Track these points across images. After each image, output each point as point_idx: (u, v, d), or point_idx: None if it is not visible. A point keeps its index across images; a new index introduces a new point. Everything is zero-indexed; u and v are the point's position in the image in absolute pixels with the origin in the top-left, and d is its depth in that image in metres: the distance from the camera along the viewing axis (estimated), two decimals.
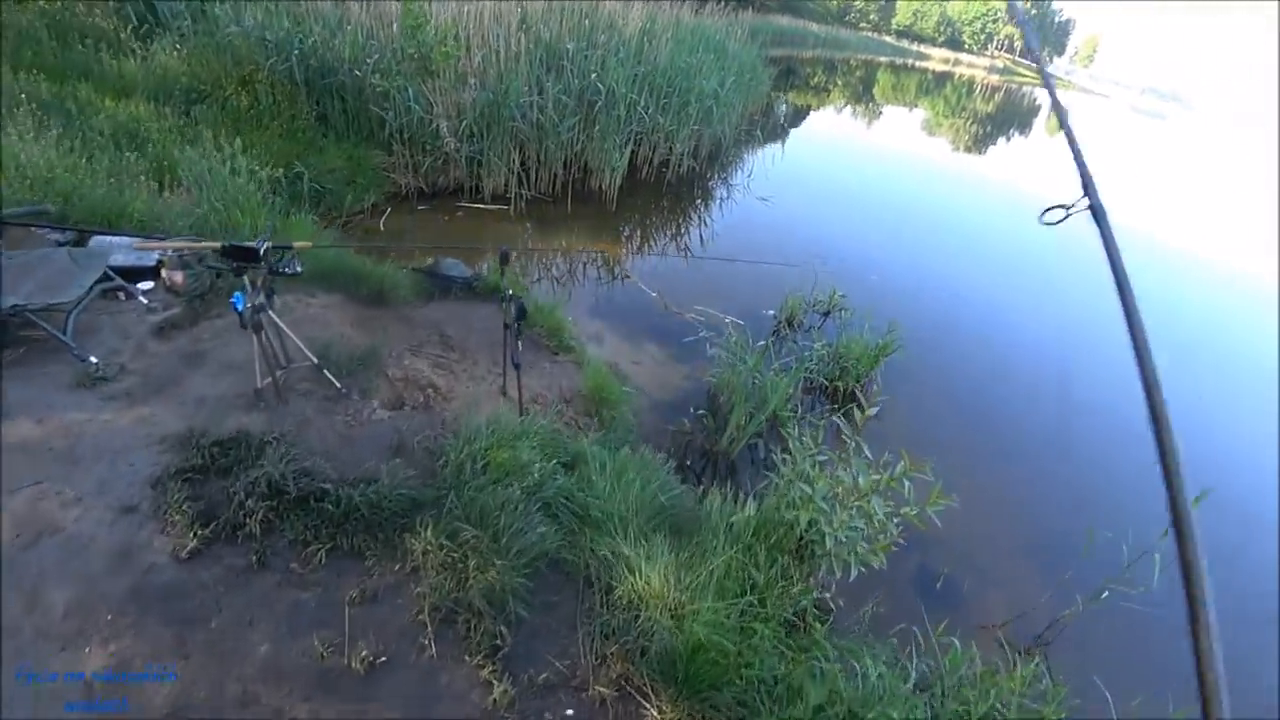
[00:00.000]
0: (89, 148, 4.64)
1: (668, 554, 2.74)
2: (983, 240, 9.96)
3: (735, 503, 3.23)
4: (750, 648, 2.42)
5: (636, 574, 2.61)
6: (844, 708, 2.21)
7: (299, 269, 2.68)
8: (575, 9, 8.09)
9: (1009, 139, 25.35)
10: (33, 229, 3.47)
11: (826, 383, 5.02)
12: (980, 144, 21.88)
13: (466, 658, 2.19)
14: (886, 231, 9.27)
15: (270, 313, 2.70)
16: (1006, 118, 33.84)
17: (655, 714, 2.18)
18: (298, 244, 2.80)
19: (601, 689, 2.19)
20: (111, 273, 3.24)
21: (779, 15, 32.56)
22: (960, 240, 9.60)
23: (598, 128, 7.27)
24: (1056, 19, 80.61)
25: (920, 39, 57.88)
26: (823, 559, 2.88)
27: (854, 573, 2.79)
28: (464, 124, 6.66)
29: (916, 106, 27.92)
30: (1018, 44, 74.54)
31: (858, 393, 5.04)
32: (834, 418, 4.42)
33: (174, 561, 2.23)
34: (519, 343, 3.15)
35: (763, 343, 4.82)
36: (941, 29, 60.09)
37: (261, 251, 2.51)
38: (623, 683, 2.26)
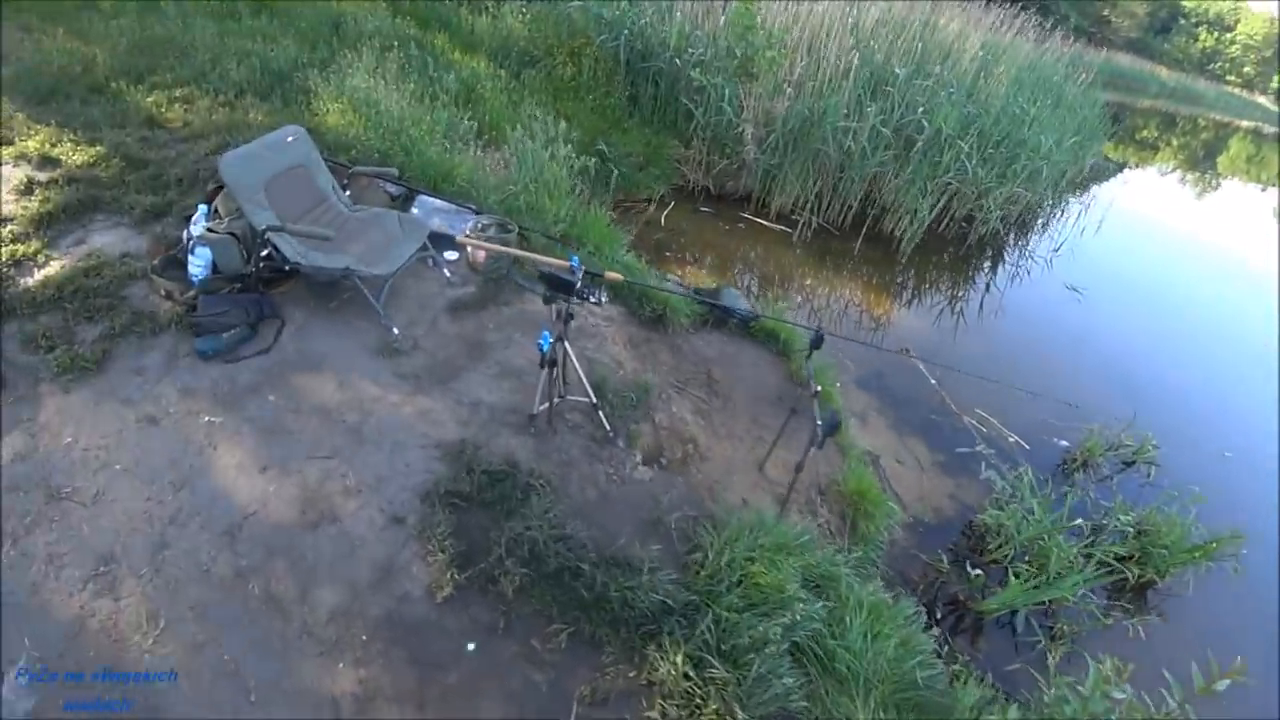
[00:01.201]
0: (435, 105, 4.93)
1: None
2: None
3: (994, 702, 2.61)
4: None
5: None
6: None
7: (604, 300, 2.41)
8: (911, 27, 7.22)
9: None
10: (374, 180, 3.67)
11: (1115, 562, 3.82)
12: None
13: None
14: (1228, 376, 7.21)
15: (565, 342, 2.50)
16: None
17: None
18: (609, 275, 2.56)
19: None
20: (428, 243, 3.30)
21: (1121, 53, 27.71)
22: None
23: (910, 169, 6.41)
24: None
25: None
26: None
27: None
28: (771, 135, 6.23)
29: (1272, 184, 22.42)
30: None
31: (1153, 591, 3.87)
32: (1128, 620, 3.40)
33: (428, 598, 2.12)
34: (812, 450, 2.65)
35: (1062, 510, 3.79)
36: None
37: (578, 286, 2.28)
38: None
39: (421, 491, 2.36)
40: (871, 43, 6.73)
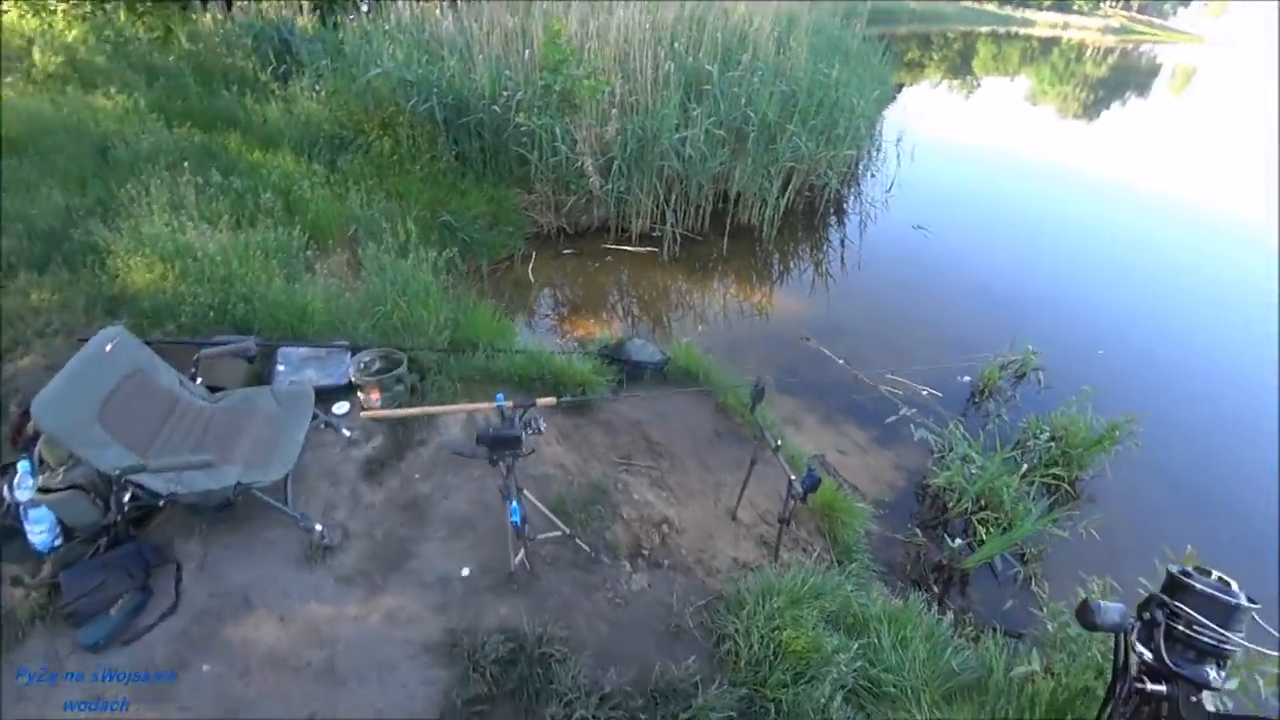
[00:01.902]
0: (255, 227, 4.37)
1: None
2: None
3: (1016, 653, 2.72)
4: None
5: None
6: None
7: (544, 426, 2.22)
8: (707, 21, 7.45)
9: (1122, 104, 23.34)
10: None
11: (1051, 480, 4.23)
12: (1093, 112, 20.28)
13: None
14: (1047, 256, 8.25)
15: (523, 491, 2.29)
16: (1127, 79, 31.33)
17: None
18: (541, 402, 2.36)
19: None
20: (318, 411, 2.90)
21: None
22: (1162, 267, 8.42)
23: (750, 160, 6.63)
24: None
25: (1025, 4, 53.21)
26: None
27: None
28: (613, 162, 6.17)
29: (1019, 76, 25.97)
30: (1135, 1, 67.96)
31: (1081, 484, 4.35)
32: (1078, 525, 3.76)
33: None
34: (791, 516, 2.63)
35: (1005, 453, 4.13)
36: None
37: (523, 435, 2.08)
38: None
39: (435, 713, 2.06)
40: (676, 44, 6.84)
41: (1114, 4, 65.79)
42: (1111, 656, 1.08)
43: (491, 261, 5.91)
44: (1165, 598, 1.07)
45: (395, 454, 3.04)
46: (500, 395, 2.22)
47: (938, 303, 6.56)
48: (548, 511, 2.52)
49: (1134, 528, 4.07)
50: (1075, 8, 58.92)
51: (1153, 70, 39.08)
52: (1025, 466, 4.12)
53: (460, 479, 2.92)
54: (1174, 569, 1.12)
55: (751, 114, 6.58)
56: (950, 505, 4.01)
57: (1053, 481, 4.18)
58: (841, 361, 5.19)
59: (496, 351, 3.60)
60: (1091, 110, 21.76)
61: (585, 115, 6.21)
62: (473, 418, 3.21)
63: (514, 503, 2.17)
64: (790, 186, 6.95)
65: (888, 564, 3.67)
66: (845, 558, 3.38)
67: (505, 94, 6.19)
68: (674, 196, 6.53)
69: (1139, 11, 70.05)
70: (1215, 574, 1.11)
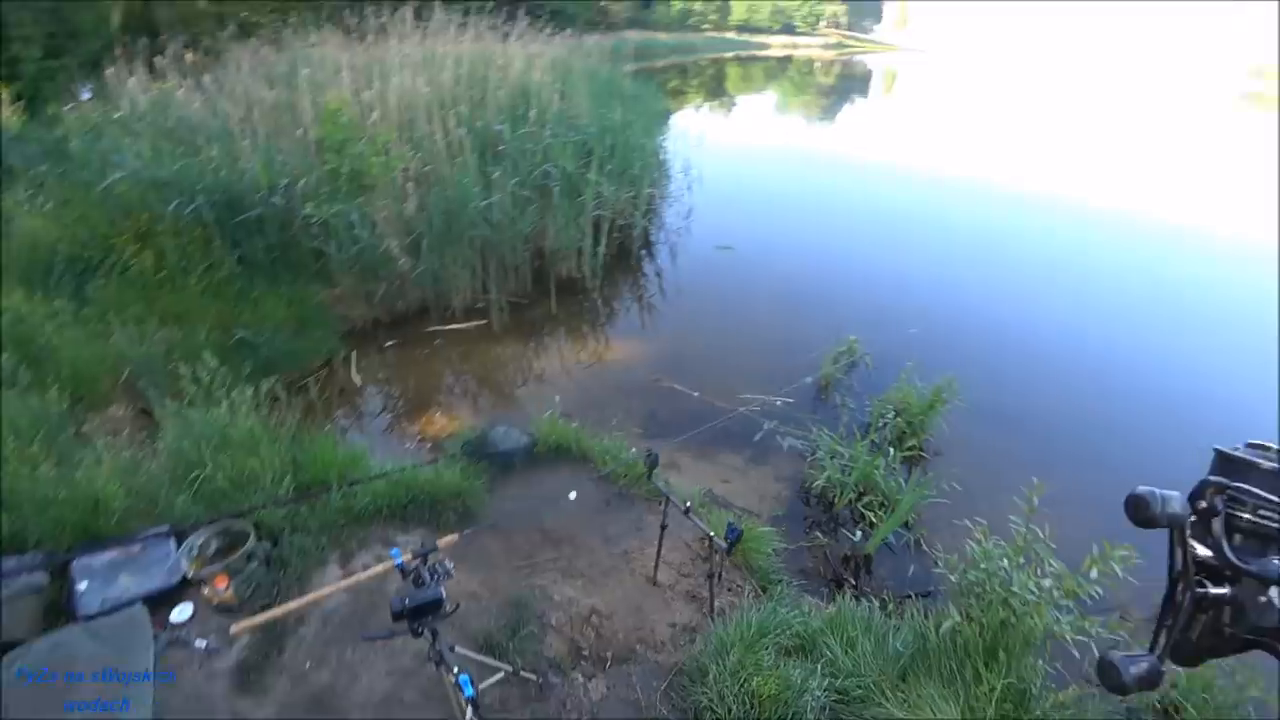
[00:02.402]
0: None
1: (935, 697, 2.51)
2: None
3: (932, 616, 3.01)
4: None
5: None
6: None
7: (452, 568, 1.99)
8: (484, 76, 7.44)
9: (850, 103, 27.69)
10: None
11: (910, 451, 4.77)
12: (830, 113, 23.66)
13: None
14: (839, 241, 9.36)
15: (454, 649, 2.02)
16: (852, 84, 37.05)
17: None
18: (444, 541, 2.11)
19: None
20: (154, 630, 2.32)
21: (629, 31, 32.91)
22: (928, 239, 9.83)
23: (560, 214, 6.66)
24: None
25: (759, 30, 61.06)
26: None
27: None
28: (421, 240, 5.84)
29: (766, 90, 29.39)
30: (843, 20, 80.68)
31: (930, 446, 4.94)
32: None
33: None
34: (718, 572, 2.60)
35: (865, 440, 4.53)
36: (776, 18, 64.09)
37: (443, 592, 1.84)
38: None
39: None
40: (460, 108, 6.71)
41: (828, 25, 77.59)
42: (1168, 557, 0.88)
43: (306, 372, 5.26)
44: (1223, 480, 0.88)
45: (271, 648, 2.53)
46: (395, 550, 1.93)
47: (763, 313, 7.08)
48: (482, 657, 2.25)
49: (981, 469, 4.69)
50: (799, 30, 69.13)
51: (867, 76, 46.90)
52: (891, 451, 4.56)
53: (365, 650, 2.52)
54: (1223, 448, 0.93)
55: (551, 169, 6.63)
56: (835, 500, 4.31)
57: (909, 453, 4.70)
58: (696, 394, 5.35)
59: (353, 485, 3.17)
60: (829, 111, 25.33)
61: (381, 195, 5.83)
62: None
63: (462, 674, 1.89)
64: (603, 234, 7.07)
65: (802, 573, 3.86)
66: (767, 583, 3.46)
67: (284, 182, 5.62)
68: (491, 264, 6.33)
69: (848, 29, 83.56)
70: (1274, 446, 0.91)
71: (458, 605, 1.94)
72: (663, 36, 37.19)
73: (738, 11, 55.27)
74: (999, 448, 5.23)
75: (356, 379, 5.35)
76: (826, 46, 69.61)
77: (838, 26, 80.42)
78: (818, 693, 2.50)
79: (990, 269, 9.41)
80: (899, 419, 4.95)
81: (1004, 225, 11.64)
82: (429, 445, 4.33)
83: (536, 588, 2.97)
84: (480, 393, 5.34)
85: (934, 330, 6.97)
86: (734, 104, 23.58)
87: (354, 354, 5.58)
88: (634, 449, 4.25)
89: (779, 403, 5.32)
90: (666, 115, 10.40)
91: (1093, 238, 11.24)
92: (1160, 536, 0.86)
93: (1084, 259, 10.15)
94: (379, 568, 2.00)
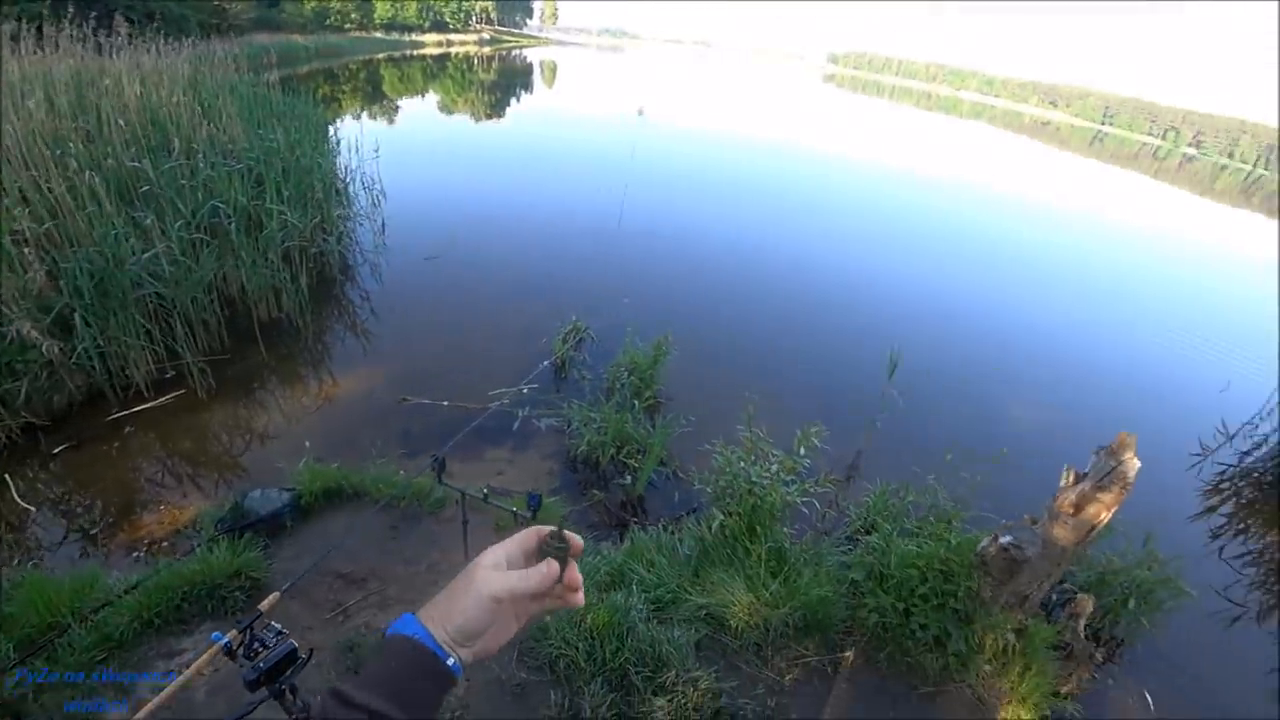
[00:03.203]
0: None
1: (724, 578, 3.26)
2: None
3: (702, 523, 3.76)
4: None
5: (736, 605, 3.10)
6: None
7: (280, 627, 1.94)
8: (97, 105, 6.30)
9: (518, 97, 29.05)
10: None
11: (651, 401, 5.58)
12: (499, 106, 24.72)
13: None
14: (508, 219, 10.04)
15: None
16: (514, 79, 38.49)
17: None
18: (265, 604, 2.02)
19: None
20: None
21: (257, 33, 29.27)
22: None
23: (245, 253, 6.03)
24: None
25: (408, 28, 58.38)
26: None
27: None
28: (71, 313, 4.84)
29: (429, 92, 29.07)
30: (494, 15, 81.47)
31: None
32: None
33: None
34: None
35: (611, 402, 5.22)
36: (424, 15, 61.59)
37: (292, 642, 1.79)
38: None
39: None
40: (72, 146, 5.54)
41: (479, 21, 77.86)
42: None
43: None
44: None
45: None
46: (216, 634, 1.81)
47: (488, 312, 7.37)
48: None
49: (708, 400, 5.73)
50: (452, 27, 68.10)
51: (527, 69, 48.70)
52: (636, 404, 5.26)
53: None
54: None
55: (220, 205, 5.96)
56: (600, 459, 4.88)
57: (649, 403, 5.49)
58: (445, 403, 5.45)
59: (100, 612, 2.69)
60: (498, 106, 26.02)
61: None
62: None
63: None
64: (301, 266, 6.56)
65: (591, 526, 4.39)
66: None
67: None
68: (174, 323, 5.45)
69: (499, 24, 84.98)
70: None
71: (311, 651, 1.90)
72: (300, 39, 33.85)
73: (381, 9, 52.33)
74: (718, 379, 6.37)
75: (20, 500, 4.29)
76: (481, 42, 70.56)
77: (489, 22, 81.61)
78: (639, 607, 2.99)
79: (669, 228, 11.06)
80: (632, 377, 5.71)
81: (664, 190, 13.73)
82: (169, 540, 3.73)
83: (360, 627, 2.93)
84: (207, 467, 4.65)
85: (645, 296, 8.04)
86: (398, 108, 22.77)
87: (5, 477, 4.41)
88: (401, 471, 4.26)
89: (525, 390, 5.69)
90: (327, 128, 9.66)
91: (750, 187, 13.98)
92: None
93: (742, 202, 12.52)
94: (203, 658, 1.85)
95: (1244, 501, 6.28)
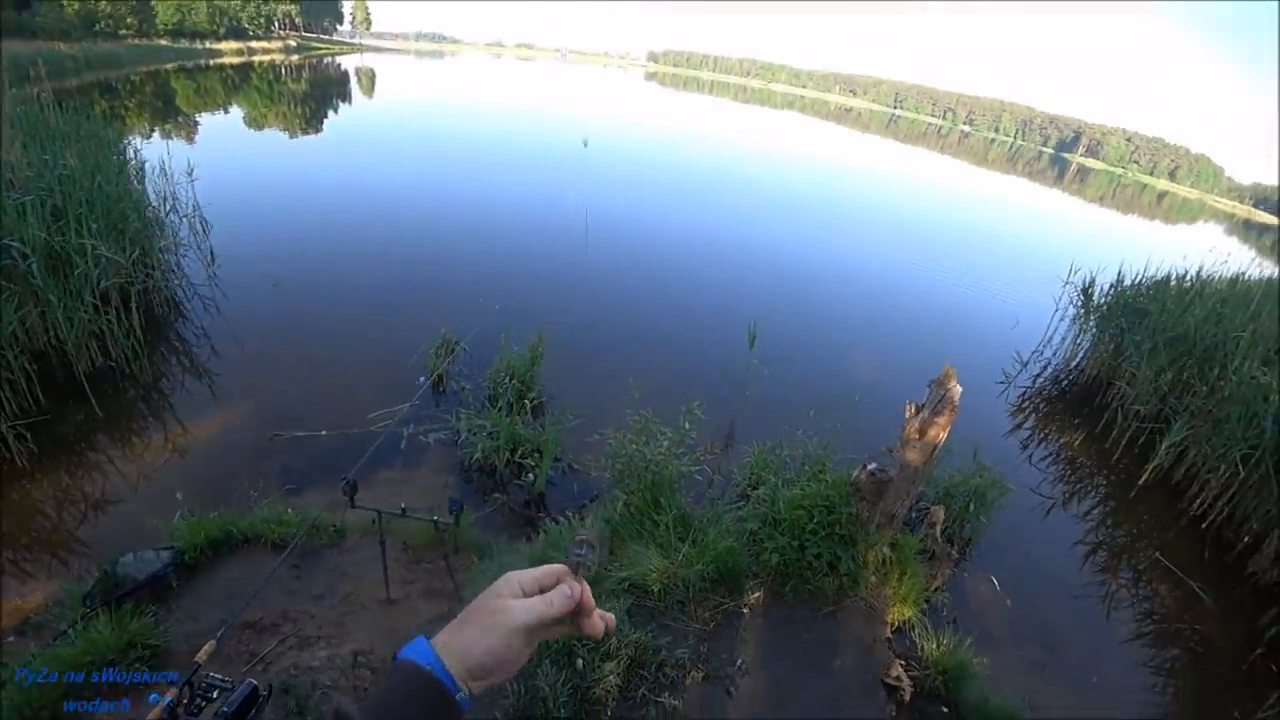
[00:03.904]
0: None
1: (639, 551, 3.55)
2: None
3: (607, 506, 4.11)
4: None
5: (654, 571, 3.41)
6: None
7: (222, 678, 1.83)
8: None
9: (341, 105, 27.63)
10: None
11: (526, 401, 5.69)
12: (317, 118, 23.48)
13: None
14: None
15: None
16: (329, 89, 36.28)
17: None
18: (201, 655, 1.88)
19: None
20: None
21: (4, 41, 24.92)
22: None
23: (52, 296, 5.29)
24: None
25: (199, 35, 51.72)
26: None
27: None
28: None
29: (233, 105, 26.59)
30: (299, 20, 74.72)
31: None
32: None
33: None
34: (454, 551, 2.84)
35: (497, 407, 5.33)
36: (218, 20, 54.45)
37: (256, 685, 1.71)
38: None
39: None
40: None
41: (282, 26, 71.07)
42: None
43: None
44: None
45: None
46: (154, 695, 1.66)
47: (350, 334, 7.03)
48: None
49: (592, 392, 5.98)
50: (252, 33, 61.37)
51: (343, 78, 45.81)
52: (526, 405, 5.36)
53: None
54: None
55: (14, 244, 5.18)
56: (496, 464, 4.90)
57: (534, 403, 5.64)
58: (324, 432, 5.19)
59: None
60: (313, 120, 24.39)
61: None
62: None
63: None
64: (132, 305, 5.86)
65: (502, 529, 4.44)
66: (481, 550, 3.98)
67: None
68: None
69: (306, 30, 78.29)
70: None
71: (270, 688, 1.82)
72: (65, 48, 29.23)
73: (164, 13, 46.02)
74: (595, 373, 6.59)
75: None
76: (287, 50, 64.77)
77: (294, 27, 75.07)
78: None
79: (521, 228, 11.21)
80: (514, 381, 5.76)
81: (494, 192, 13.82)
82: (18, 634, 3.23)
83: (288, 669, 2.79)
84: (50, 542, 4.07)
85: (512, 300, 8.08)
86: (197, 123, 20.47)
87: None
88: (289, 509, 4.03)
89: (407, 408, 5.54)
90: (126, 150, 8.49)
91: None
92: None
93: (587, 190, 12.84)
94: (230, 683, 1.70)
95: (1041, 415, 7.65)
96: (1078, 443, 7.12)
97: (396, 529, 3.69)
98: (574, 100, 49.48)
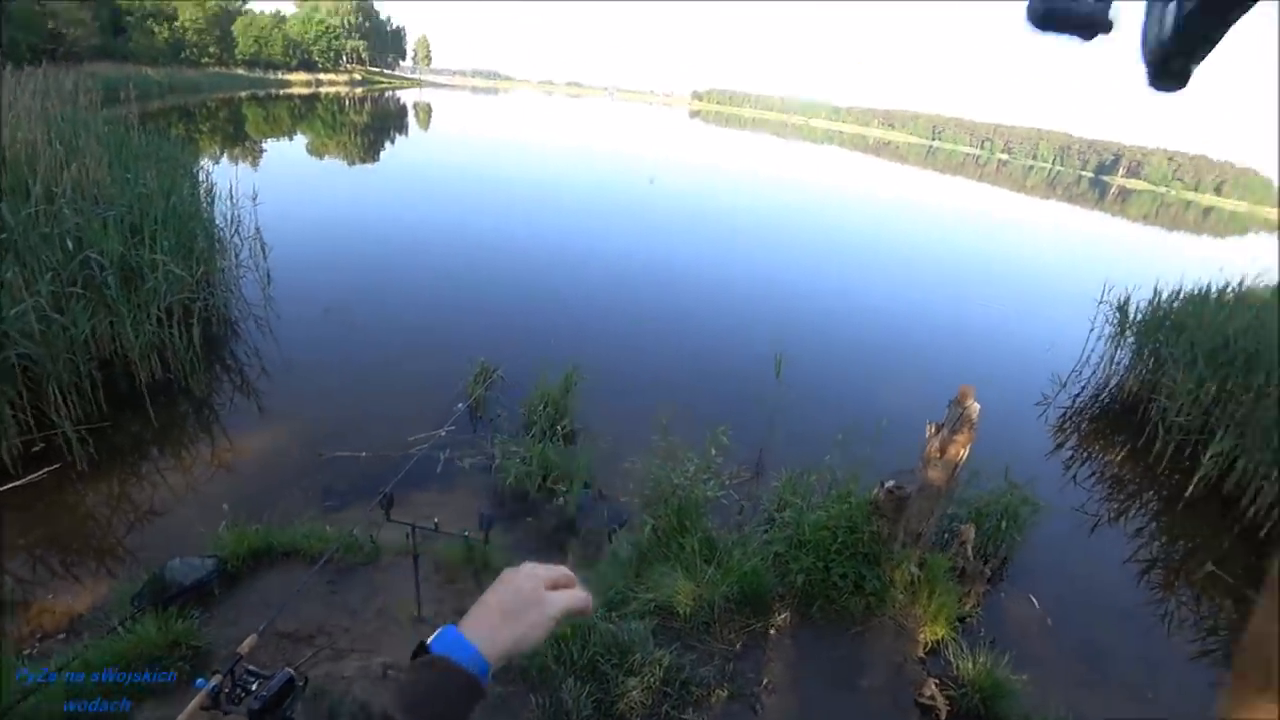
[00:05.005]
0: None
1: (665, 571, 3.60)
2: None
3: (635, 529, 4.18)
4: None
5: (680, 593, 3.44)
6: None
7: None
8: None
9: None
10: None
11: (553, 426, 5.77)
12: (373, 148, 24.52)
13: None
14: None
15: None
16: (387, 122, 38.22)
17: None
18: (244, 647, 1.92)
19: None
20: None
21: (98, 62, 26.85)
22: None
23: (125, 308, 5.62)
24: (390, 27, 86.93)
25: (273, 65, 55.21)
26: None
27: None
28: None
29: (297, 133, 28.00)
30: (365, 55, 78.99)
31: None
32: None
33: None
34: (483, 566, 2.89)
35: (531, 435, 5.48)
36: (291, 52, 58.15)
37: (293, 674, 1.75)
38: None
39: None
40: None
41: (349, 60, 75.16)
42: None
43: None
44: None
45: None
46: (199, 680, 1.73)
47: (396, 360, 7.24)
48: None
49: (621, 421, 6.05)
50: (320, 66, 65.20)
51: (401, 111, 48.01)
52: (559, 431, 5.56)
53: None
54: None
55: (95, 255, 5.53)
56: (529, 489, 5.02)
57: (566, 431, 5.80)
58: (364, 454, 5.33)
59: (24, 701, 2.42)
60: (373, 149, 25.55)
61: None
62: None
63: None
64: (195, 321, 6.18)
65: (532, 551, 4.47)
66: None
67: None
68: (48, 389, 4.97)
69: (371, 64, 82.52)
70: None
71: (306, 678, 1.87)
72: (150, 72, 31.37)
73: (244, 44, 49.34)
74: (627, 402, 6.64)
75: None
76: (352, 83, 68.28)
77: (360, 62, 79.18)
78: (596, 611, 3.15)
79: (560, 271, 11.40)
80: (548, 409, 5.84)
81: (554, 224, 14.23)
82: (71, 630, 3.37)
83: (320, 678, 2.86)
84: (98, 550, 4.23)
85: (549, 329, 8.24)
86: (263, 149, 21.61)
87: None
88: (328, 526, 4.14)
89: (444, 433, 5.66)
90: (197, 172, 8.98)
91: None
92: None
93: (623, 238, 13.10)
94: (192, 704, 1.77)
95: (1083, 434, 7.71)
96: (1120, 459, 7.08)
97: (429, 550, 3.76)
98: (626, 136, 50.88)
